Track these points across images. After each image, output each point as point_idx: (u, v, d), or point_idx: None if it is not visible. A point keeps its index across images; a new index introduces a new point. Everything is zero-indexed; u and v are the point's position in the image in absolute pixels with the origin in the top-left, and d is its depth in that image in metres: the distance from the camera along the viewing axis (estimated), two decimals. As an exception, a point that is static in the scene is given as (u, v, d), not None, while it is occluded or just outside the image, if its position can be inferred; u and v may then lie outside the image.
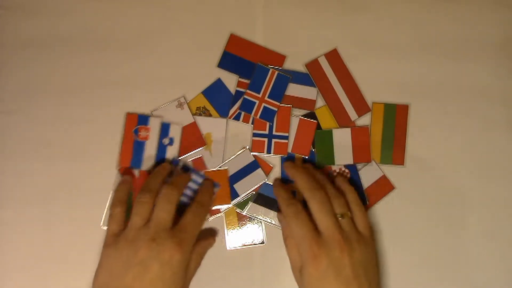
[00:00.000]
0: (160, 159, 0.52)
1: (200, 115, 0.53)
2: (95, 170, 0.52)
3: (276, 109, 0.52)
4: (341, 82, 0.53)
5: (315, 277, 0.44)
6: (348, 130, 0.53)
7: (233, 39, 0.54)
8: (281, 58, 0.54)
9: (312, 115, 0.53)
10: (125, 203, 0.48)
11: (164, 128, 0.52)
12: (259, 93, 0.53)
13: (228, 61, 0.54)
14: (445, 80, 0.54)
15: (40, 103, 0.53)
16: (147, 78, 0.54)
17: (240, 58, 0.54)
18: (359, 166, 0.53)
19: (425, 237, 0.52)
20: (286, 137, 0.52)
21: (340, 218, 0.46)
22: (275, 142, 0.52)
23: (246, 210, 0.52)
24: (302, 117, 0.53)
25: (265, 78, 0.53)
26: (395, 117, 0.53)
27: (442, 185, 0.53)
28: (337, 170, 0.52)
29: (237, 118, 0.53)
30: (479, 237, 0.52)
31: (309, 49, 0.54)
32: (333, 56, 0.54)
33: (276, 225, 0.52)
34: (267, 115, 0.53)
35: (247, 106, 0.53)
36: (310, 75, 0.53)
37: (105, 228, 0.50)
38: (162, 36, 0.54)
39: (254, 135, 0.53)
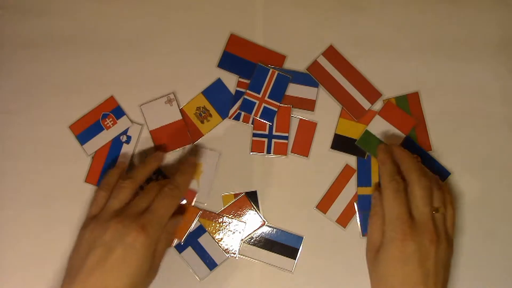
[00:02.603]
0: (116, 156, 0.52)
1: (200, 115, 0.53)
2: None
3: (276, 109, 0.52)
4: (346, 76, 0.53)
5: (397, 258, 0.43)
6: (378, 117, 0.53)
7: (233, 39, 0.54)
8: (281, 58, 0.54)
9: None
10: (111, 187, 0.48)
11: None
12: (259, 93, 0.53)
13: (228, 61, 0.54)
14: (445, 80, 0.54)
15: (40, 103, 0.53)
16: (147, 78, 0.54)
17: (240, 58, 0.54)
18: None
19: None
20: (286, 137, 0.52)
21: (435, 213, 0.45)
22: (275, 142, 0.52)
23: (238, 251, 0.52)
24: (302, 118, 0.53)
25: (265, 78, 0.53)
26: (409, 106, 0.53)
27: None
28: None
29: (237, 118, 0.53)
30: (478, 237, 0.52)
31: (309, 49, 0.54)
32: (331, 53, 0.54)
33: (272, 264, 0.51)
34: (267, 115, 0.52)
35: (247, 106, 0.53)
36: (314, 78, 0.53)
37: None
38: (162, 36, 0.54)
39: (254, 135, 0.53)
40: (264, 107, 0.52)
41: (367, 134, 0.53)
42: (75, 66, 0.54)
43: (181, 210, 0.51)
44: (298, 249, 0.52)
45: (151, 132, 0.53)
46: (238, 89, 0.53)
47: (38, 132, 0.53)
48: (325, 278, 0.52)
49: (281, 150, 0.53)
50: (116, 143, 0.52)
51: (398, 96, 0.53)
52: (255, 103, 0.53)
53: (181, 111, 0.53)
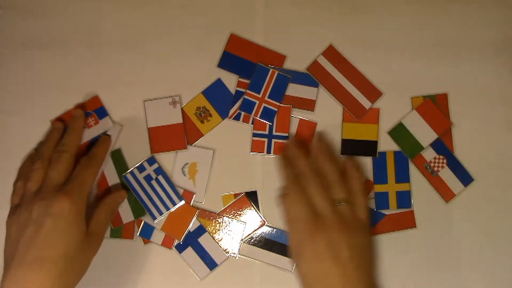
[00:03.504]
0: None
1: (200, 115, 0.53)
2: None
3: (276, 109, 0.52)
4: (346, 75, 0.53)
5: (312, 256, 0.44)
6: (414, 112, 0.53)
7: (233, 39, 0.54)
8: (281, 58, 0.54)
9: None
10: (26, 177, 0.48)
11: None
12: (259, 93, 0.53)
13: (228, 61, 0.54)
14: (445, 80, 0.54)
15: (40, 103, 0.53)
16: (147, 78, 0.54)
17: (240, 58, 0.54)
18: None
19: (424, 235, 0.52)
20: (286, 137, 0.52)
21: (340, 204, 0.46)
22: (275, 142, 0.52)
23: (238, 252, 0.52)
24: (302, 118, 0.53)
25: (265, 78, 0.53)
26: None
27: (442, 185, 0.53)
28: (433, 161, 0.52)
29: (237, 118, 0.53)
30: (478, 237, 0.52)
31: (309, 49, 0.54)
32: (331, 53, 0.54)
33: (272, 264, 0.51)
34: (267, 115, 0.52)
35: (247, 106, 0.53)
36: (314, 77, 0.53)
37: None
38: (162, 36, 0.54)
39: (254, 135, 0.53)
40: (264, 107, 0.52)
41: (401, 126, 0.53)
42: (75, 66, 0.54)
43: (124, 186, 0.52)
44: (298, 249, 0.52)
45: (149, 129, 0.53)
46: (238, 89, 0.53)
47: (38, 132, 0.53)
48: (325, 278, 0.52)
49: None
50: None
51: (425, 95, 0.53)
52: (255, 103, 0.53)
53: (181, 110, 0.53)
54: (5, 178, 0.52)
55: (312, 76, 0.53)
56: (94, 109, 0.53)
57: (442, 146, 0.53)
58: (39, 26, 0.54)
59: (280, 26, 0.55)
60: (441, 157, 0.52)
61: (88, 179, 0.48)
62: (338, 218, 0.45)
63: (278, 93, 0.53)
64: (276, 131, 0.53)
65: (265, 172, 0.53)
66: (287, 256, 0.52)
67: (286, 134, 0.52)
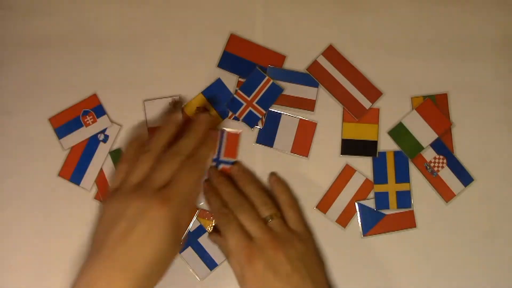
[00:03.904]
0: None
1: (200, 115, 0.53)
2: (95, 170, 0.52)
3: (260, 116, 0.52)
4: (346, 75, 0.53)
5: (255, 280, 0.44)
6: (414, 112, 0.53)
7: (233, 39, 0.54)
8: (281, 58, 0.54)
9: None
10: (130, 160, 0.47)
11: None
12: (249, 96, 0.53)
13: (228, 61, 0.54)
14: (445, 80, 0.54)
15: (40, 103, 0.53)
16: (146, 78, 0.54)
17: (240, 58, 0.54)
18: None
19: (424, 235, 0.52)
20: (233, 163, 0.52)
21: (270, 221, 0.47)
22: (222, 167, 0.52)
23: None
24: (302, 118, 0.53)
25: (259, 84, 0.53)
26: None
27: (442, 185, 0.53)
28: (433, 161, 0.52)
29: (237, 118, 0.53)
30: (478, 237, 0.52)
31: (309, 48, 0.54)
32: (331, 53, 0.54)
33: None
34: (250, 119, 0.53)
35: (235, 106, 0.53)
36: (314, 77, 0.53)
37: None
38: (162, 36, 0.54)
39: None
40: (250, 111, 0.52)
41: (401, 126, 0.53)
42: (74, 66, 0.54)
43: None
44: (298, 249, 0.52)
45: (149, 129, 0.53)
46: (238, 89, 0.53)
47: (38, 132, 0.53)
48: (325, 278, 0.52)
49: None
50: (93, 141, 0.52)
51: (425, 95, 0.53)
52: (243, 104, 0.53)
53: (181, 110, 0.53)
54: (5, 178, 0.52)
55: (312, 76, 0.53)
56: (92, 107, 0.53)
57: (442, 146, 0.53)
58: (39, 26, 0.54)
59: (280, 26, 0.55)
60: (441, 157, 0.52)
61: (192, 184, 0.46)
62: (270, 236, 0.45)
63: (267, 101, 0.53)
64: (224, 156, 0.52)
65: (265, 172, 0.53)
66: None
67: (233, 160, 0.52)
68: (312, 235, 0.51)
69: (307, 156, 0.53)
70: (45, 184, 0.52)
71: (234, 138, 0.52)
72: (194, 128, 0.49)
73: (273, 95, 0.53)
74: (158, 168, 0.45)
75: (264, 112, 0.53)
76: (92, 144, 0.52)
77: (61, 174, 0.52)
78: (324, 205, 0.52)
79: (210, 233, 0.51)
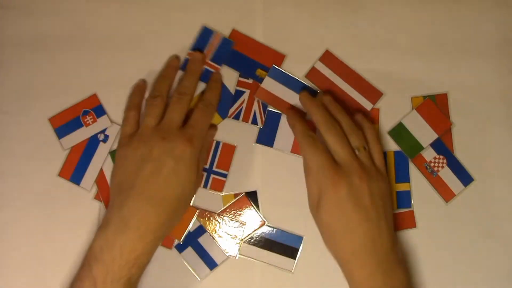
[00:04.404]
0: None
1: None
2: (95, 170, 0.52)
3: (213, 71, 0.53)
4: (345, 79, 0.53)
5: (334, 204, 0.45)
6: (414, 112, 0.53)
7: (234, 34, 0.54)
8: (280, 56, 0.54)
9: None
10: (138, 107, 0.51)
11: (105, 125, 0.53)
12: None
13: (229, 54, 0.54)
14: (445, 80, 0.54)
15: (40, 103, 0.53)
16: (146, 78, 0.54)
17: (240, 53, 0.54)
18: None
19: (424, 235, 0.52)
20: (225, 175, 0.52)
21: (357, 152, 0.47)
22: (213, 178, 0.52)
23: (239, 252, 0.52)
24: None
25: (209, 40, 0.53)
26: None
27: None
28: (433, 161, 0.52)
29: (237, 117, 0.53)
30: (478, 237, 0.52)
31: (309, 48, 0.54)
32: (328, 57, 0.54)
33: (272, 264, 0.51)
34: (205, 77, 0.53)
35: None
36: (314, 84, 0.53)
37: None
38: (162, 35, 0.54)
39: None
40: (205, 69, 0.53)
41: (400, 126, 0.53)
42: (75, 66, 0.54)
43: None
44: (298, 249, 0.52)
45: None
46: (238, 88, 0.53)
47: (38, 132, 0.53)
48: (325, 278, 0.52)
49: (218, 187, 0.52)
50: (93, 141, 0.52)
51: (425, 95, 0.53)
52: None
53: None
54: (5, 178, 0.52)
55: (309, 85, 0.53)
56: (92, 107, 0.53)
57: (442, 146, 0.53)
58: (39, 26, 0.54)
59: (280, 26, 0.54)
60: (441, 157, 0.52)
61: (207, 125, 0.49)
62: (358, 165, 0.46)
63: (220, 56, 0.53)
64: (216, 167, 0.52)
65: (265, 172, 0.53)
66: (287, 256, 0.52)
67: (226, 172, 0.52)
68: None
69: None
70: (45, 184, 0.52)
71: (229, 150, 0.52)
72: (190, 68, 0.52)
73: (226, 49, 0.53)
74: (171, 109, 0.48)
75: (219, 67, 0.53)
76: (92, 144, 0.52)
77: (61, 174, 0.52)
78: None
79: (301, 147, 0.50)
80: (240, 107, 0.53)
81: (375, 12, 0.55)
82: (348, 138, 0.47)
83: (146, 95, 0.53)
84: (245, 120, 0.53)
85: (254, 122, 0.53)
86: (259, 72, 0.53)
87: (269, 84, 0.53)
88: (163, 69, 0.53)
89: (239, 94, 0.53)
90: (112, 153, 0.52)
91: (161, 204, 0.44)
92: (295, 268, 0.52)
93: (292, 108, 0.52)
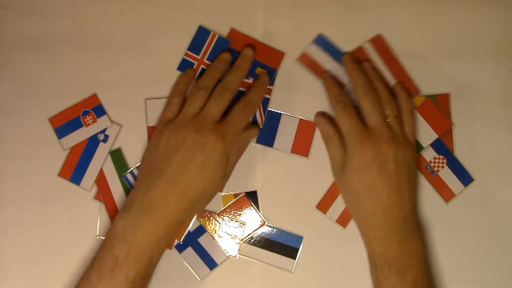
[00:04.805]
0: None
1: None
2: (95, 170, 0.52)
3: None
4: (389, 67, 0.53)
5: (359, 166, 0.47)
6: (415, 112, 0.53)
7: (233, 34, 0.54)
8: (280, 54, 0.54)
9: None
10: (183, 95, 0.51)
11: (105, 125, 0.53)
12: (198, 55, 0.53)
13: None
14: (445, 80, 0.54)
15: (40, 103, 0.53)
16: (147, 78, 0.54)
17: (239, 52, 0.53)
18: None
19: (424, 235, 0.52)
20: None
21: (389, 120, 0.48)
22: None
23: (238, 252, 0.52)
24: (302, 118, 0.53)
25: (206, 40, 0.53)
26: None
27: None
28: (433, 161, 0.52)
29: None
30: (478, 237, 0.52)
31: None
32: (379, 41, 0.54)
33: (272, 264, 0.51)
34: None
35: (186, 67, 0.53)
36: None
37: (102, 237, 0.51)
38: (162, 35, 0.54)
39: None
40: (202, 68, 0.53)
41: None
42: (75, 66, 0.54)
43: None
44: (298, 249, 0.52)
45: (148, 127, 0.53)
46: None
47: (38, 132, 0.53)
48: (325, 278, 0.52)
49: None
50: (93, 141, 0.52)
51: (428, 94, 0.53)
52: (194, 64, 0.53)
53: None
54: (5, 178, 0.52)
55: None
56: (92, 107, 0.53)
57: (442, 146, 0.53)
58: (39, 26, 0.54)
59: (280, 25, 0.54)
60: (441, 157, 0.52)
61: (243, 124, 0.49)
62: (388, 131, 0.47)
63: (216, 55, 0.53)
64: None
65: (265, 172, 0.53)
66: (287, 256, 0.52)
67: None
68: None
69: (307, 156, 0.53)
70: (45, 184, 0.52)
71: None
72: (238, 63, 0.52)
73: (222, 48, 0.53)
74: (210, 103, 0.48)
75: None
76: (92, 144, 0.52)
77: (61, 174, 0.52)
78: (324, 205, 0.52)
79: (316, 114, 0.53)
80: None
81: (375, 12, 0.55)
82: (382, 106, 0.49)
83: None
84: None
85: (254, 121, 0.53)
86: (259, 70, 0.53)
87: (314, 51, 0.54)
88: (214, 61, 0.52)
89: (239, 94, 0.53)
90: (112, 153, 0.52)
91: (185, 193, 0.45)
92: (295, 268, 0.52)
93: (328, 72, 0.53)
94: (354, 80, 0.50)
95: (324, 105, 0.53)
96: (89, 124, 0.53)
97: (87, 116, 0.53)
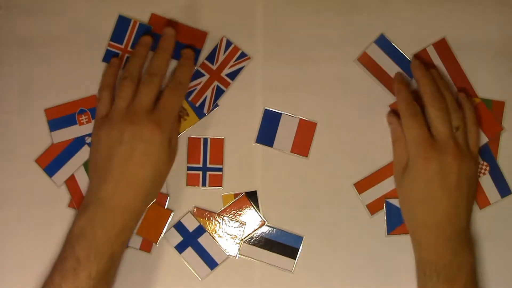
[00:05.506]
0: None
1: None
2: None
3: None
4: (450, 71, 0.53)
5: (421, 176, 0.46)
6: None
7: (155, 18, 0.54)
8: (202, 34, 0.53)
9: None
10: (112, 87, 0.51)
11: None
12: (121, 44, 0.53)
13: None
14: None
15: (40, 103, 0.53)
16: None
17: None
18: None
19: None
20: (221, 169, 0.52)
21: (455, 131, 0.48)
22: (209, 174, 0.52)
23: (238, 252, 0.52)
24: (302, 118, 0.53)
25: (127, 29, 0.53)
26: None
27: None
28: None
29: (187, 96, 0.53)
30: (479, 237, 0.52)
31: (309, 48, 0.54)
32: (442, 46, 0.54)
33: (272, 264, 0.52)
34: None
35: (111, 58, 0.53)
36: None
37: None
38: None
39: (189, 168, 0.52)
40: (126, 57, 0.53)
41: None
42: (75, 66, 0.54)
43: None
44: (298, 249, 0.52)
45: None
46: (199, 69, 0.53)
47: (38, 132, 0.53)
48: (325, 278, 0.52)
49: (217, 182, 0.52)
50: (79, 141, 0.52)
51: (484, 98, 0.53)
52: (119, 53, 0.53)
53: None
54: (5, 178, 0.52)
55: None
56: (90, 107, 0.53)
57: (488, 152, 0.52)
58: (39, 26, 0.54)
59: (280, 25, 0.54)
60: (485, 163, 0.52)
61: (177, 106, 0.49)
62: (454, 144, 0.47)
63: None
64: (210, 164, 0.52)
65: (265, 172, 0.53)
66: (287, 256, 0.52)
67: (220, 166, 0.52)
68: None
69: (307, 156, 0.53)
70: (45, 184, 0.52)
71: (219, 144, 0.52)
72: (162, 44, 0.51)
73: (144, 34, 0.53)
74: (140, 91, 0.48)
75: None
76: (77, 143, 0.52)
77: (38, 160, 0.52)
78: (362, 185, 0.52)
79: (389, 113, 0.52)
80: (194, 88, 0.53)
81: (375, 13, 0.55)
82: (450, 115, 0.48)
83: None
84: (194, 101, 0.53)
85: (201, 107, 0.53)
86: (183, 52, 0.52)
87: (374, 51, 0.53)
88: (135, 47, 0.52)
89: (198, 75, 0.53)
90: (85, 164, 0.52)
91: (136, 185, 0.46)
92: (295, 268, 0.52)
93: (401, 76, 0.53)
94: (423, 86, 0.49)
95: (324, 105, 0.53)
96: (83, 123, 0.53)
97: (83, 115, 0.53)
